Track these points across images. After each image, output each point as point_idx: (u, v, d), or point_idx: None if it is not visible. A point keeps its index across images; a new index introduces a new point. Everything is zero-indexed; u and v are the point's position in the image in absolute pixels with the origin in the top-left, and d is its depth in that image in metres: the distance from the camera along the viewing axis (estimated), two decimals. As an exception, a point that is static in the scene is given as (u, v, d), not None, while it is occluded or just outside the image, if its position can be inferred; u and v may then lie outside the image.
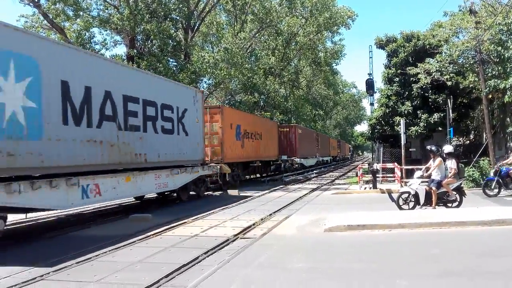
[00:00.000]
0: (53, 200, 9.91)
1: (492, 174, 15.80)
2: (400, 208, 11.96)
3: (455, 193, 11.94)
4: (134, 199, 17.06)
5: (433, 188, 11.70)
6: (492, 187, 15.26)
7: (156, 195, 17.61)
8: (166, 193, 17.13)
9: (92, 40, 24.35)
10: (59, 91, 10.41)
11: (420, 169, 12.99)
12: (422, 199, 11.84)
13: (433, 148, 12.28)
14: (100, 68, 12.28)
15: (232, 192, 20.29)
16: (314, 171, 40.08)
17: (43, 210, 10.76)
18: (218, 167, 19.72)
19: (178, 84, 18.27)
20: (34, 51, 9.66)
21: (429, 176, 12.02)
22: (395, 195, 12.73)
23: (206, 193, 19.52)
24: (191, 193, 17.76)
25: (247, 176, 28.32)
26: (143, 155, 13.84)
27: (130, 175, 12.90)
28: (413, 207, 11.88)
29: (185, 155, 16.69)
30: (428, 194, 11.82)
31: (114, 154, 12.42)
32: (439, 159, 11.94)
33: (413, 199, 11.95)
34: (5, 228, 9.64)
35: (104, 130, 12.04)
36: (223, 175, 20.46)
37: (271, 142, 31.45)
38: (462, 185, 12.35)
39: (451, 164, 11.96)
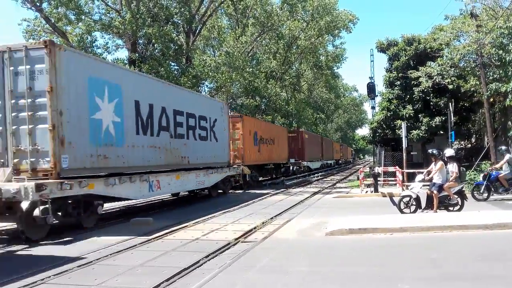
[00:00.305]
0: (131, 191, 13.09)
1: (481, 179, 15.73)
2: (401, 211, 11.94)
3: (457, 196, 11.94)
4: (170, 196, 19.76)
5: (435, 191, 11.70)
6: (481, 191, 15.15)
7: (187, 192, 19.91)
8: (196, 190, 19.60)
9: (94, 44, 24.39)
10: (133, 108, 13.48)
11: (422, 172, 12.98)
12: (423, 203, 11.83)
13: (435, 151, 12.28)
14: (158, 88, 15.34)
15: (250, 191, 23.14)
16: (320, 173, 42.61)
17: (125, 199, 13.97)
18: (241, 168, 22.67)
19: (209, 98, 23.05)
20: (118, 79, 12.74)
21: (430, 180, 12.01)
22: (396, 199, 12.71)
23: (230, 191, 22.32)
24: (218, 191, 20.81)
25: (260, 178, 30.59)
26: (187, 158, 16.97)
27: (179, 174, 16.11)
28: (415, 211, 11.86)
29: (215, 158, 19.69)
30: (429, 198, 11.81)
31: (168, 157, 15.57)
32: (440, 163, 11.93)
33: (414, 203, 11.94)
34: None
35: (161, 138, 15.13)
36: (243, 176, 23.23)
37: (282, 146, 33.98)
38: (463, 189, 12.34)
39: (453, 167, 11.96)
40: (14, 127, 10.26)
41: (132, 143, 13.30)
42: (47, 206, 9.82)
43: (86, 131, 11.25)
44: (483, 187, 15.19)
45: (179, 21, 27.66)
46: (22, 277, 6.81)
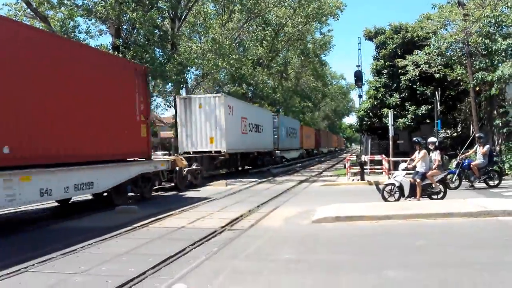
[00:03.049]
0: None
1: (454, 167, 15.73)
2: (385, 199, 11.98)
3: (439, 185, 12.01)
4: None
5: (418, 180, 11.75)
6: (453, 180, 15.08)
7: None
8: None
9: (76, 29, 23.86)
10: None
11: (405, 161, 13.03)
12: (406, 191, 11.87)
13: (419, 139, 12.32)
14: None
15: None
16: (328, 156, 65.93)
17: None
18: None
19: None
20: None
21: (413, 168, 12.06)
22: (382, 187, 12.77)
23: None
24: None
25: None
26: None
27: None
28: (398, 199, 11.91)
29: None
30: (412, 186, 11.85)
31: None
32: (423, 151, 11.98)
33: (397, 191, 11.98)
34: None
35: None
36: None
37: (308, 139, 51.33)
38: (446, 177, 12.41)
39: (435, 155, 12.02)
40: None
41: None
42: None
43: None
44: (455, 175, 15.15)
45: (164, 7, 27.20)
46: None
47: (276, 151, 35.56)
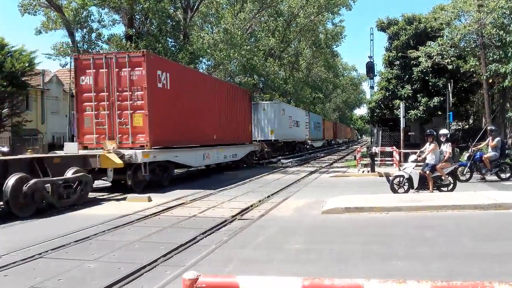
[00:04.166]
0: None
1: (465, 159, 15.63)
2: (394, 191, 11.96)
3: (449, 177, 11.95)
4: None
5: (427, 172, 11.71)
6: (464, 172, 14.95)
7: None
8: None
9: (89, 19, 24.02)
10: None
11: (415, 153, 12.99)
12: (415, 183, 11.84)
13: (432, 132, 12.27)
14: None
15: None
16: (343, 145, 76.98)
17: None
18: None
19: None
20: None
21: (423, 160, 12.01)
22: (391, 179, 12.75)
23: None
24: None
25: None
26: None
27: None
28: (407, 191, 11.89)
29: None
30: (421, 178, 11.82)
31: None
32: (434, 143, 11.93)
33: (407, 183, 11.96)
34: None
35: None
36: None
37: (328, 131, 60.82)
38: (456, 170, 12.35)
39: (446, 148, 11.96)
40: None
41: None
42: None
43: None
44: (466, 168, 15.04)
45: (177, -3, 27.24)
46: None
47: (308, 141, 46.20)
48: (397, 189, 12.03)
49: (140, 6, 23.73)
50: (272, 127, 31.70)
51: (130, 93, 14.48)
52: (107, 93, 14.68)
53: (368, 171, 19.36)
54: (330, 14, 44.09)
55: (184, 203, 11.73)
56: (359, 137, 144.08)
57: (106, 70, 14.65)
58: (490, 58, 19.89)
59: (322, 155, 42.18)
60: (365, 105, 42.95)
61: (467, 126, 28.29)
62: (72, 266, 6.13)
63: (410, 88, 24.16)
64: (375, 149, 20.97)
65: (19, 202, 9.91)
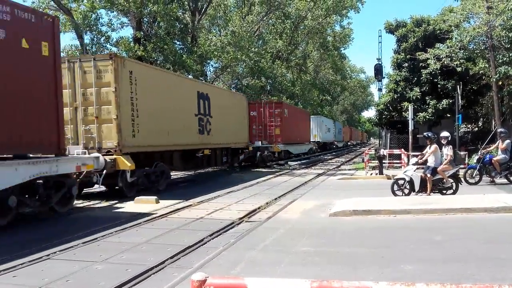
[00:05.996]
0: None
1: (475, 161, 15.44)
2: (394, 194, 11.86)
3: (451, 180, 11.83)
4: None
5: (428, 174, 11.60)
6: (474, 175, 14.78)
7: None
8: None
9: (98, 22, 24.18)
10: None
11: (417, 155, 12.88)
12: (417, 186, 11.73)
13: (429, 134, 12.17)
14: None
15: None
16: (357, 146, 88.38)
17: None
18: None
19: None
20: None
21: (424, 163, 11.92)
22: (392, 181, 12.64)
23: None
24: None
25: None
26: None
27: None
28: (408, 194, 11.79)
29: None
30: (423, 181, 11.71)
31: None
32: (434, 146, 11.83)
33: (408, 186, 11.86)
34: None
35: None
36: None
37: (345, 134, 74.06)
38: (458, 172, 12.21)
39: (447, 150, 11.84)
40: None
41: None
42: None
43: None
44: (475, 170, 14.86)
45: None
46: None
47: (335, 142, 59.67)
48: (396, 191, 11.91)
49: (148, 9, 23.85)
50: (315, 132, 46.08)
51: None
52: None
53: (376, 174, 19.27)
54: (338, 17, 43.98)
55: (191, 205, 11.74)
56: (368, 139, 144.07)
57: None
58: (500, 60, 19.72)
59: (330, 157, 42.43)
60: (373, 107, 42.98)
61: (477, 128, 28.05)
62: (80, 267, 6.16)
63: (418, 90, 24.01)
64: (383, 152, 20.85)
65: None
